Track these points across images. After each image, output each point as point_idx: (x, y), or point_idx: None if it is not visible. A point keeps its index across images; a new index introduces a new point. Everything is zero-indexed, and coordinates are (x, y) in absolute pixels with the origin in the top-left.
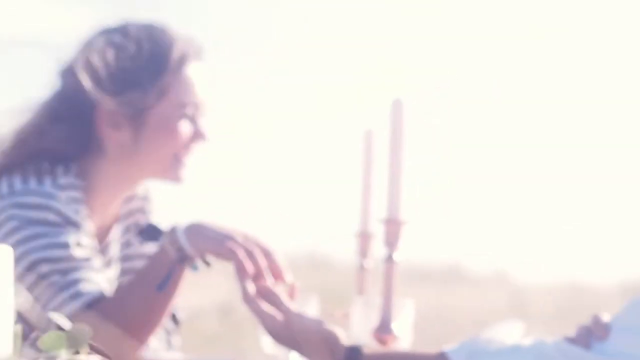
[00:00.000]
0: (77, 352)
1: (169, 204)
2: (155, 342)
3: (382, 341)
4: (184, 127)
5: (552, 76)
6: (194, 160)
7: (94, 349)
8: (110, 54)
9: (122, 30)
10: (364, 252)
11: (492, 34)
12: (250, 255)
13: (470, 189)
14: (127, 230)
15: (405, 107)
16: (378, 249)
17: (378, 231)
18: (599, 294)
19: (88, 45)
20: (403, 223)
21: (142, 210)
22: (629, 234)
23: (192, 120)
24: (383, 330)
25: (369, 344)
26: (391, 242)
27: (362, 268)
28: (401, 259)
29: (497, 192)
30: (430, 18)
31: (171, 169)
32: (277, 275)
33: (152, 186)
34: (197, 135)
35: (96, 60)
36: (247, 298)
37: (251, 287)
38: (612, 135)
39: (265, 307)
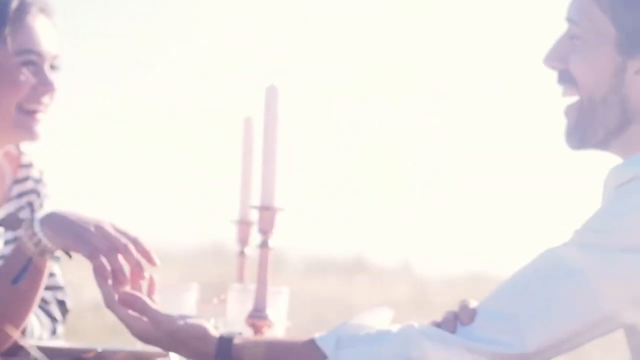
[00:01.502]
0: None
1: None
2: (39, 330)
3: (256, 327)
4: (24, 76)
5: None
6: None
7: None
8: None
9: None
10: (243, 239)
11: (492, 34)
12: (108, 252)
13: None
14: (18, 211)
15: (281, 94)
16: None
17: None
18: None
19: None
20: (277, 210)
21: (35, 192)
22: (532, 227)
23: (37, 69)
24: (257, 315)
25: (244, 330)
26: (265, 228)
27: (241, 254)
28: (275, 245)
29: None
30: (430, 18)
31: (20, 122)
32: (136, 271)
33: (151, 185)
34: (43, 84)
35: None
36: (110, 304)
37: (113, 292)
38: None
39: (132, 311)
